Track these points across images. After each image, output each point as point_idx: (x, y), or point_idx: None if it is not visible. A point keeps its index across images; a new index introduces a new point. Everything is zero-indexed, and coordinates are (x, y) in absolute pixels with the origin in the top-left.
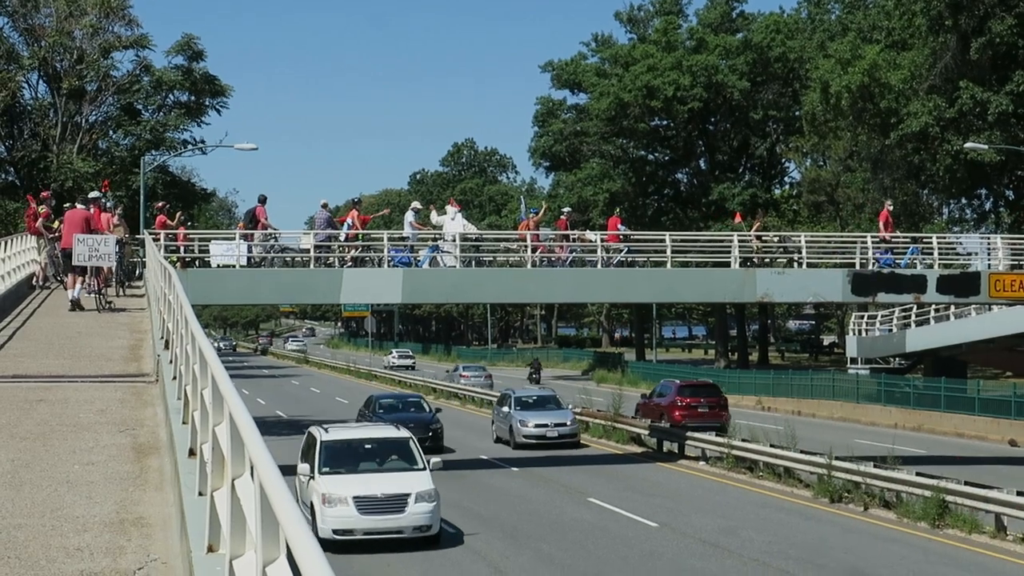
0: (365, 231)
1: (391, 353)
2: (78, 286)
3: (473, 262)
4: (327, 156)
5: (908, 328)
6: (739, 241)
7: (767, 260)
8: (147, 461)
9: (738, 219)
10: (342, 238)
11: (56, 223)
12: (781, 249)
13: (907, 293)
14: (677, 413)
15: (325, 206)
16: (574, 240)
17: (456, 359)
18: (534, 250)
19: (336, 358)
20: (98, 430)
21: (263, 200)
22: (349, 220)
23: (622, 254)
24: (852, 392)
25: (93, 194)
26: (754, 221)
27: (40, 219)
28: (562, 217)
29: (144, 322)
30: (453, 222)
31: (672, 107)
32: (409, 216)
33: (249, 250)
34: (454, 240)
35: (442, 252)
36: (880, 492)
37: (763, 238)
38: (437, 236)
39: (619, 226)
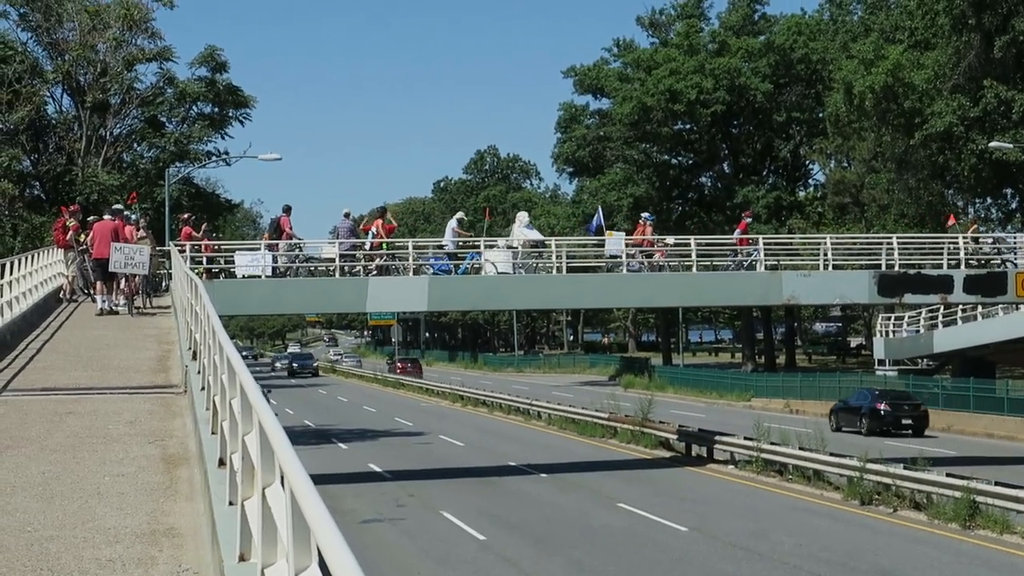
0: (390, 239)
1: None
2: (111, 295)
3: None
4: (351, 166)
5: (935, 329)
6: (949, 243)
7: (983, 262)
8: (177, 472)
9: (952, 221)
10: (367, 247)
11: (82, 236)
12: (996, 251)
13: (933, 294)
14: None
15: (348, 215)
16: (657, 244)
17: (482, 367)
18: (649, 256)
19: (364, 367)
20: (127, 441)
21: (288, 210)
22: (374, 229)
23: (751, 257)
24: None
25: (116, 207)
26: (969, 224)
27: (70, 232)
28: (640, 223)
29: (171, 333)
30: (530, 231)
31: (695, 110)
32: (452, 224)
33: (274, 260)
34: (528, 246)
35: (515, 261)
36: (910, 494)
37: (979, 240)
38: (481, 244)
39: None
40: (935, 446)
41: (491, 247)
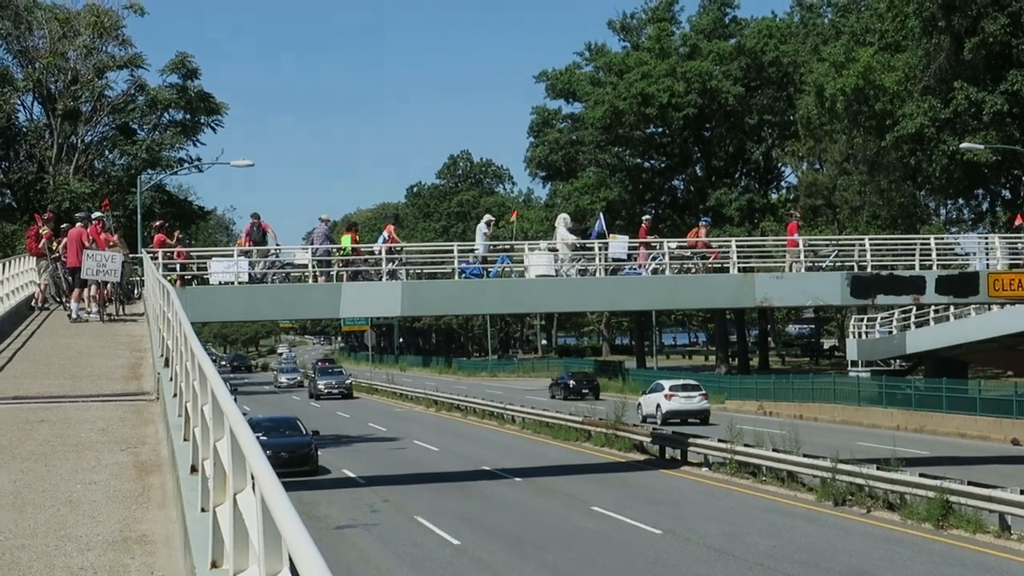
0: (398, 244)
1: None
2: (84, 303)
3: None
4: (323, 171)
5: (908, 330)
6: (920, 244)
7: None
8: (149, 479)
9: (1020, 220)
10: (376, 251)
11: (55, 244)
12: None
13: (906, 294)
14: None
15: (326, 221)
16: (656, 248)
17: (456, 371)
18: (704, 257)
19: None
20: (100, 449)
21: (257, 217)
22: (385, 234)
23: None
24: (853, 395)
25: (96, 214)
26: None
27: (43, 240)
28: (699, 225)
29: (144, 341)
30: (570, 232)
31: (667, 114)
32: (482, 227)
33: (251, 266)
34: (566, 247)
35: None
36: (883, 494)
37: None
38: (507, 248)
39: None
40: (909, 446)
41: (534, 250)
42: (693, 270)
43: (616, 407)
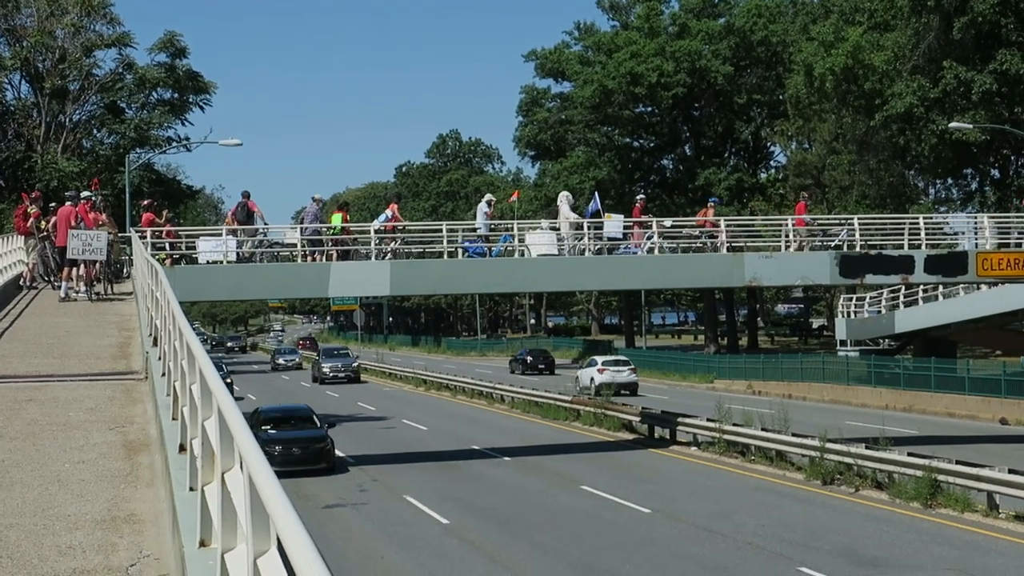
0: (403, 223)
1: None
2: (73, 282)
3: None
4: (312, 150)
5: (897, 309)
6: (910, 223)
7: None
8: (138, 458)
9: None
10: (376, 229)
11: (43, 223)
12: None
13: (895, 274)
14: None
15: (318, 200)
16: (649, 227)
17: (445, 351)
18: (712, 237)
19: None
20: (88, 428)
21: (247, 196)
22: (389, 212)
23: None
24: (842, 374)
25: (85, 193)
26: None
27: (31, 219)
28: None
29: (132, 320)
30: (574, 211)
31: (656, 93)
32: (483, 207)
33: (239, 245)
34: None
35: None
36: (872, 473)
37: None
38: (508, 227)
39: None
40: (897, 425)
41: (535, 229)
42: (705, 249)
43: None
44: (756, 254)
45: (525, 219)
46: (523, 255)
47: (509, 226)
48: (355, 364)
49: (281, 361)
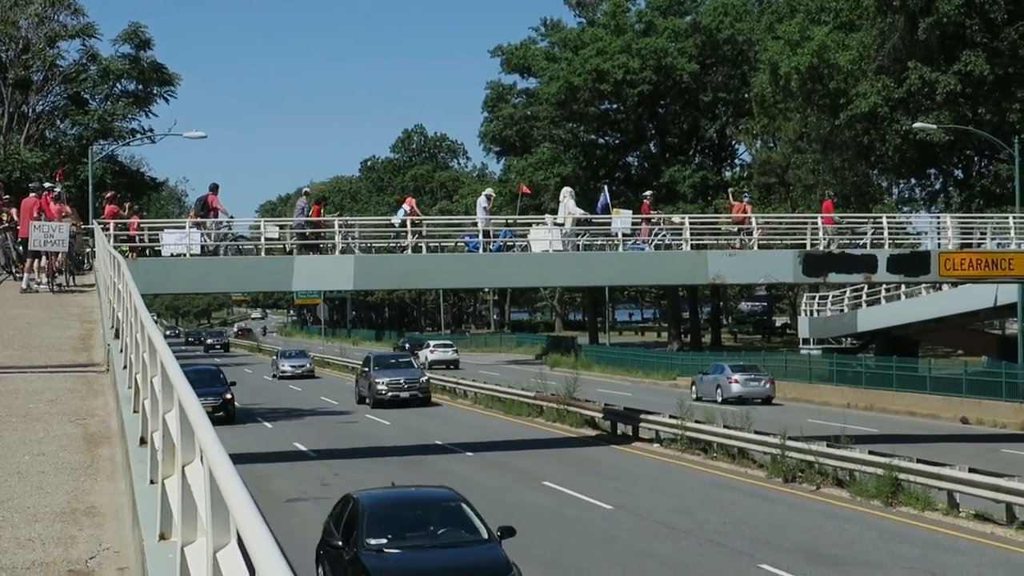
0: (422, 217)
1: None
2: (32, 273)
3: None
4: (277, 143)
5: (859, 308)
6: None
7: None
8: (98, 450)
9: None
10: (396, 224)
11: (3, 214)
12: None
13: (858, 273)
14: None
15: (307, 194)
16: (657, 223)
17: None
18: (749, 233)
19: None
20: (49, 420)
21: (215, 188)
22: (407, 207)
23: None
24: (804, 372)
25: (48, 184)
26: None
27: None
28: (740, 201)
29: (95, 312)
30: (576, 206)
31: (622, 90)
32: (482, 201)
33: (202, 238)
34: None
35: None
36: (833, 471)
37: None
38: (507, 221)
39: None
40: (859, 423)
41: (539, 224)
42: (738, 245)
43: (568, 382)
44: (719, 251)
45: (493, 215)
46: (524, 251)
47: (506, 221)
48: (423, 379)
49: (287, 368)
